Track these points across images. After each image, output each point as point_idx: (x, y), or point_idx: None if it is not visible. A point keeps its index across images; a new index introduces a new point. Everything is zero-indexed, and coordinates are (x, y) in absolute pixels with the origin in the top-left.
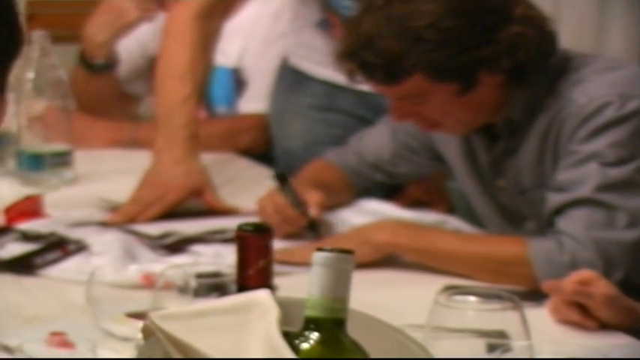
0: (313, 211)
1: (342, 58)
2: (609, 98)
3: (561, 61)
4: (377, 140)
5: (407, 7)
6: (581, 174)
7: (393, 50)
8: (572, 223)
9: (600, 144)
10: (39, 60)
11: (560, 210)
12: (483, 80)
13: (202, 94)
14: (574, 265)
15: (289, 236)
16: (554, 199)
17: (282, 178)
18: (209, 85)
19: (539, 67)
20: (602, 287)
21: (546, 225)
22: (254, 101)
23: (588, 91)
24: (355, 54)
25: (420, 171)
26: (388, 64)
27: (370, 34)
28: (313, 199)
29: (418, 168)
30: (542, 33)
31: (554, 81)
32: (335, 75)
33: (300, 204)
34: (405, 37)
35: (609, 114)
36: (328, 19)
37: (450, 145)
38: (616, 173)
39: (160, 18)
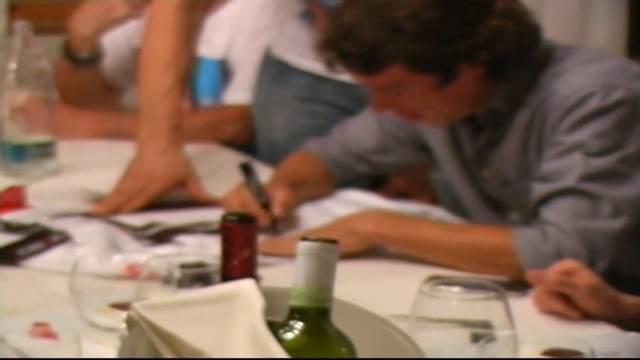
0: (277, 210)
1: (323, 47)
2: (593, 88)
3: (544, 53)
4: (362, 130)
5: None
6: (566, 164)
7: (372, 40)
8: (557, 212)
9: (584, 134)
10: (21, 50)
11: (544, 200)
12: (463, 72)
13: (186, 85)
14: (559, 255)
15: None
16: (538, 189)
17: (246, 169)
18: (195, 77)
19: (520, 60)
20: (586, 277)
21: (531, 215)
22: (239, 92)
23: (572, 82)
24: (335, 44)
25: (405, 161)
26: (367, 54)
27: (350, 24)
28: (279, 197)
29: (403, 158)
30: (522, 27)
31: (537, 72)
32: (318, 66)
33: (263, 199)
34: (384, 28)
35: (593, 104)
36: (311, 10)
37: (436, 136)
38: (600, 163)
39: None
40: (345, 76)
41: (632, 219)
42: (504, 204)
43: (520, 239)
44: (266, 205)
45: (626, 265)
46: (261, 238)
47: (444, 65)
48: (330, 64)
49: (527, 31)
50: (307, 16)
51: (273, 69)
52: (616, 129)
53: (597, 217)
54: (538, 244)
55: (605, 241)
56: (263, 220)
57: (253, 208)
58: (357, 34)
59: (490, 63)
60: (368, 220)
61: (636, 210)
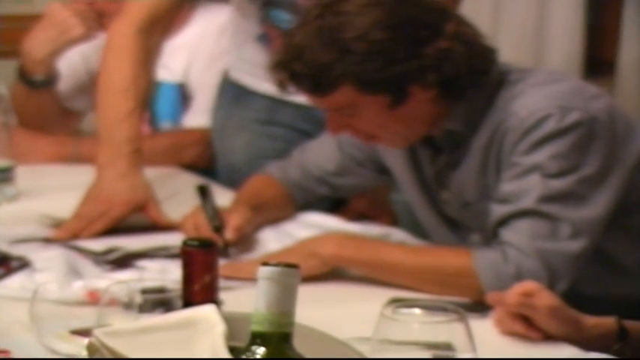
0: (229, 234)
1: (275, 68)
2: (549, 110)
3: (500, 75)
4: (321, 153)
5: (338, 19)
6: (524, 185)
7: (321, 61)
8: (516, 234)
9: (542, 156)
10: None
11: (503, 221)
12: (415, 94)
13: (145, 109)
14: (519, 276)
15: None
16: (497, 210)
17: (203, 192)
18: (154, 101)
19: (473, 81)
20: (546, 299)
21: (491, 236)
22: (198, 116)
23: (529, 104)
24: (286, 65)
25: (365, 183)
26: (316, 74)
27: (301, 45)
28: (232, 221)
29: (363, 180)
30: (473, 49)
31: (493, 94)
32: (276, 89)
33: (217, 222)
34: (333, 49)
35: (550, 126)
36: (268, 33)
37: (395, 157)
38: (558, 185)
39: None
40: (303, 99)
41: (591, 240)
42: (464, 225)
43: (480, 261)
44: (219, 229)
45: (588, 285)
46: (222, 262)
47: (394, 86)
48: (281, 85)
49: (479, 53)
50: (264, 39)
51: (232, 92)
52: (573, 150)
53: (556, 238)
54: (498, 266)
55: (564, 263)
56: (216, 240)
57: (206, 231)
58: (307, 55)
59: (441, 84)
60: (329, 242)
61: (595, 231)
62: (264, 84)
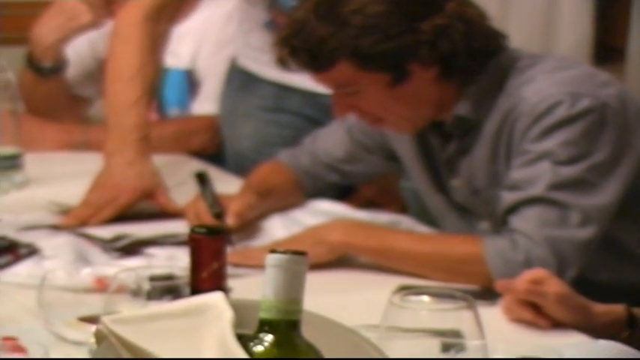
0: (230, 220)
1: (276, 46)
2: (560, 97)
3: (510, 61)
4: (332, 140)
5: None
6: (534, 173)
7: (318, 35)
8: (526, 221)
9: (552, 143)
10: None
11: (513, 208)
12: (415, 72)
13: (152, 96)
14: (528, 263)
15: None
16: (507, 197)
17: (201, 179)
18: (162, 88)
19: (477, 63)
20: (555, 286)
21: (500, 224)
22: (206, 103)
23: (539, 90)
24: (286, 41)
25: (374, 170)
26: (313, 49)
27: (300, 20)
28: (233, 208)
29: (373, 167)
30: (474, 29)
31: (503, 80)
32: (284, 76)
33: (217, 209)
34: (331, 22)
35: (560, 113)
36: (276, 20)
37: (405, 144)
38: (568, 172)
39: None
40: (310, 85)
41: (601, 228)
42: (473, 213)
43: (490, 248)
44: (219, 215)
45: (597, 272)
46: (228, 249)
47: (391, 62)
48: (282, 62)
49: (482, 34)
50: (272, 26)
51: (239, 79)
52: (584, 137)
53: (566, 225)
54: (507, 253)
55: (573, 250)
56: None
57: (207, 218)
58: (305, 30)
59: (440, 62)
60: (337, 229)
61: (604, 218)
62: (271, 71)
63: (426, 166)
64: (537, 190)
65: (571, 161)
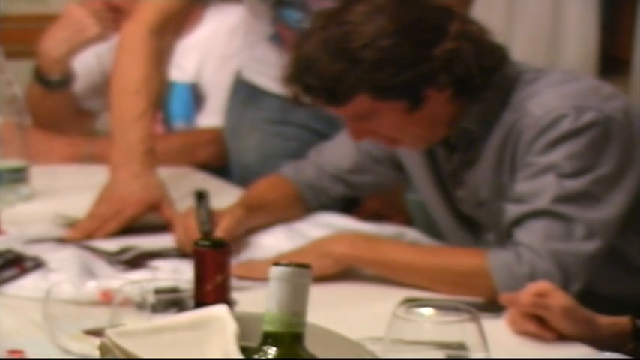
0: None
1: (287, 82)
2: (565, 110)
3: (515, 74)
4: (338, 151)
5: (342, 29)
6: (539, 186)
7: (332, 73)
8: (530, 234)
9: (557, 156)
10: None
11: (518, 221)
12: (431, 96)
13: (158, 109)
14: (533, 277)
15: None
16: (512, 210)
17: (200, 197)
18: (167, 101)
19: (487, 79)
20: (559, 299)
21: (505, 236)
22: (212, 116)
23: (544, 104)
24: (298, 78)
25: (381, 181)
26: (329, 86)
27: (309, 58)
28: (223, 225)
29: (380, 178)
30: (481, 46)
31: (508, 93)
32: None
33: (207, 226)
34: (342, 59)
35: (565, 126)
36: (280, 34)
37: (412, 156)
38: (573, 185)
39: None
40: None
41: (605, 241)
42: (479, 224)
43: (494, 261)
44: (208, 234)
45: (602, 285)
46: (234, 262)
47: (409, 91)
48: (296, 98)
49: (487, 50)
50: (276, 39)
51: (244, 92)
52: (588, 151)
53: (571, 239)
54: (512, 266)
55: (578, 264)
56: None
57: (195, 235)
58: (317, 67)
59: (455, 84)
60: (342, 242)
61: (609, 232)
62: (275, 84)
63: (432, 177)
64: (542, 203)
65: (576, 174)
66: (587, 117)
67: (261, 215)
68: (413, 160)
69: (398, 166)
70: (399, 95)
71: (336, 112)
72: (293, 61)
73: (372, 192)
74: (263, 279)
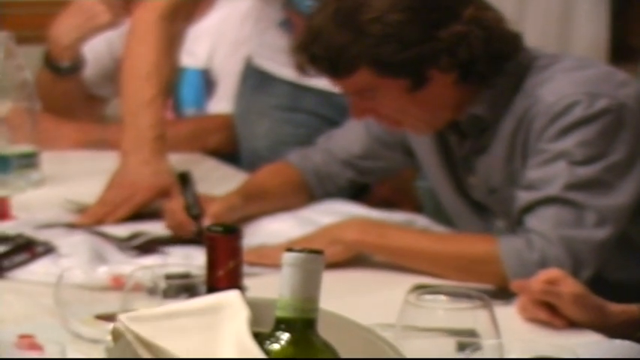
0: (207, 222)
1: (294, 52)
2: (578, 97)
3: (528, 60)
4: (349, 136)
5: (355, 1)
6: (550, 172)
7: (338, 43)
8: (541, 221)
9: (569, 143)
10: (4, 61)
11: (529, 208)
12: (434, 78)
13: (168, 95)
14: (543, 263)
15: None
16: (523, 197)
17: (183, 179)
18: (178, 87)
19: (495, 66)
20: (570, 286)
21: (516, 223)
22: (222, 102)
23: (557, 90)
24: (305, 48)
25: (391, 166)
26: (333, 57)
27: (319, 27)
28: (212, 209)
29: (390, 163)
30: (493, 34)
31: (521, 79)
32: (297, 73)
33: (195, 210)
34: (350, 31)
35: (578, 113)
36: (291, 20)
37: (423, 142)
38: (584, 172)
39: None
40: (325, 85)
41: (616, 228)
42: (490, 211)
43: (505, 248)
44: (196, 217)
45: (613, 272)
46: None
47: (411, 69)
48: (301, 69)
49: (500, 38)
50: (287, 25)
51: (254, 78)
52: (601, 138)
53: (582, 226)
54: (523, 253)
55: (589, 250)
56: (190, 227)
57: (181, 217)
58: (324, 37)
59: (460, 68)
60: (352, 228)
61: (620, 219)
62: (286, 70)
63: (443, 163)
64: (553, 190)
65: (587, 161)
66: (601, 104)
67: (260, 203)
68: (423, 146)
69: (408, 152)
70: (401, 73)
71: (338, 85)
72: (303, 31)
73: (381, 178)
74: (274, 265)
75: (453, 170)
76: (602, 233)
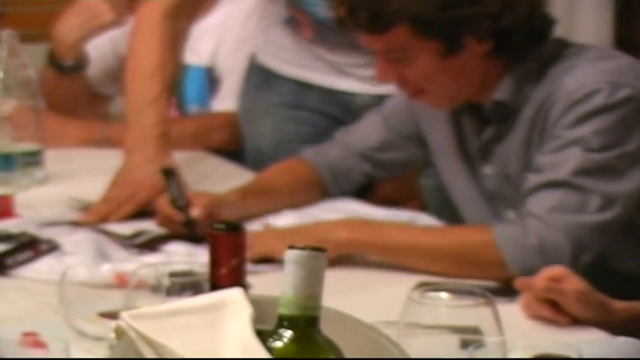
0: (194, 212)
1: (335, 3)
2: (599, 85)
3: (555, 48)
4: (367, 129)
5: None
6: (562, 157)
7: None
8: (540, 204)
9: (585, 130)
10: (8, 59)
11: (533, 190)
12: (468, 46)
13: (172, 93)
14: (541, 248)
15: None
16: (530, 179)
17: (167, 174)
18: (182, 85)
19: (529, 44)
20: (574, 283)
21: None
22: (226, 100)
23: (579, 78)
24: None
25: (407, 158)
26: (374, 10)
27: None
28: (200, 200)
29: (407, 155)
30: (534, 8)
31: (546, 67)
32: (303, 73)
33: (180, 202)
34: None
35: (597, 101)
36: (295, 17)
37: (438, 130)
38: (597, 158)
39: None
40: (330, 82)
41: (621, 213)
42: (502, 201)
43: (500, 234)
44: (182, 208)
45: (619, 261)
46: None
47: (449, 31)
48: (340, 21)
49: (540, 15)
50: (291, 23)
51: (258, 76)
52: (619, 126)
53: (584, 211)
54: (520, 238)
55: (590, 234)
56: (177, 220)
57: (167, 210)
58: None
59: (496, 37)
60: (341, 227)
61: (626, 204)
62: (290, 68)
63: (459, 152)
64: (561, 174)
65: (602, 149)
66: (622, 93)
67: (263, 200)
68: (438, 134)
69: (422, 144)
70: (438, 34)
71: (372, 42)
72: None
73: (397, 172)
74: (264, 252)
75: (469, 159)
76: (604, 217)
